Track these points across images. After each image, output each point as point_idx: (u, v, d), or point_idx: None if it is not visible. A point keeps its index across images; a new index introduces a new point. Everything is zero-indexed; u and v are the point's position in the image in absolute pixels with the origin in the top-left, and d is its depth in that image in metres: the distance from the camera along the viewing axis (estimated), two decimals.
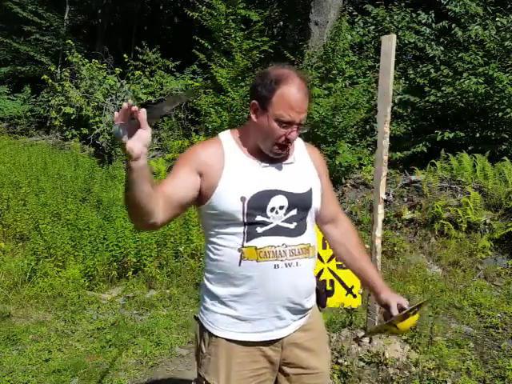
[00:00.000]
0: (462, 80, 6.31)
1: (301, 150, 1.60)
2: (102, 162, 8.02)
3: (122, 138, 1.21)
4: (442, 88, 6.56)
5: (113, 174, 7.39)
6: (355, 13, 7.90)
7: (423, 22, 7.40)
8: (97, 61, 9.46)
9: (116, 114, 1.21)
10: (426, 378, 2.98)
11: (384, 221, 3.62)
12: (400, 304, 1.54)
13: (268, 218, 1.44)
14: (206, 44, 8.42)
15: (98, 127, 8.55)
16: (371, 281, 1.64)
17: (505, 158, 5.91)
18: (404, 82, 7.26)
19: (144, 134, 1.24)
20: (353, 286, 3.18)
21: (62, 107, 8.89)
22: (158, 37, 13.53)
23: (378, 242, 3.07)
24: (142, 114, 1.21)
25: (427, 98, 6.69)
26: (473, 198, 5.27)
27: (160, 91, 9.35)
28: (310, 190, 1.52)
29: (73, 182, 6.25)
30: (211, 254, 1.50)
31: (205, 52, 8.44)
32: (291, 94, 1.40)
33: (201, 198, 1.47)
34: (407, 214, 5.50)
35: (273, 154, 1.47)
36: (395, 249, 5.03)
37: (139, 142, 1.23)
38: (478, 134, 6.47)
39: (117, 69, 8.98)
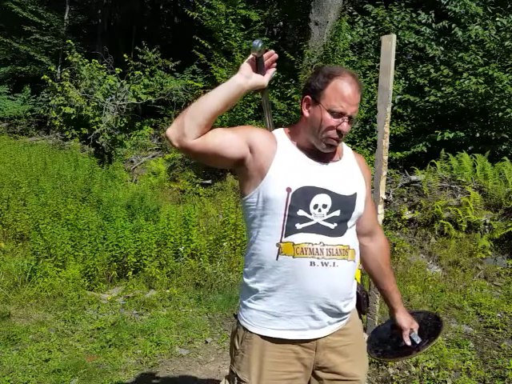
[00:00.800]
0: (461, 80, 6.30)
1: (349, 156, 1.63)
2: (102, 161, 8.03)
3: (257, 51, 1.42)
4: (442, 88, 6.55)
5: (113, 174, 7.41)
6: (355, 13, 7.89)
7: (423, 22, 7.39)
8: (97, 61, 9.46)
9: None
10: (425, 378, 2.98)
11: (384, 221, 3.62)
12: (411, 330, 1.67)
13: (310, 214, 1.45)
14: (206, 44, 8.42)
15: (97, 127, 8.54)
16: (393, 302, 1.72)
17: (505, 158, 5.90)
18: (404, 82, 7.25)
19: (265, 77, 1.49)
20: None
21: (62, 107, 8.88)
22: (158, 37, 13.53)
23: None
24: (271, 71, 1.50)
25: (427, 98, 6.69)
26: (473, 198, 5.26)
27: (160, 91, 9.35)
28: (355, 194, 1.54)
29: (73, 182, 6.26)
30: (251, 248, 1.53)
31: (205, 52, 8.44)
32: (343, 85, 1.45)
33: (248, 184, 1.50)
34: (407, 214, 5.50)
35: (324, 146, 1.49)
36: (395, 249, 5.03)
37: (266, 75, 1.49)
38: (478, 134, 6.46)
39: (117, 69, 8.98)
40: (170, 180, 7.78)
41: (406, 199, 5.82)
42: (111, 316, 3.88)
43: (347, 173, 1.57)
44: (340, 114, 1.45)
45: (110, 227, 4.66)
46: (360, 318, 1.68)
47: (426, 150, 6.66)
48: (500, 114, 6.21)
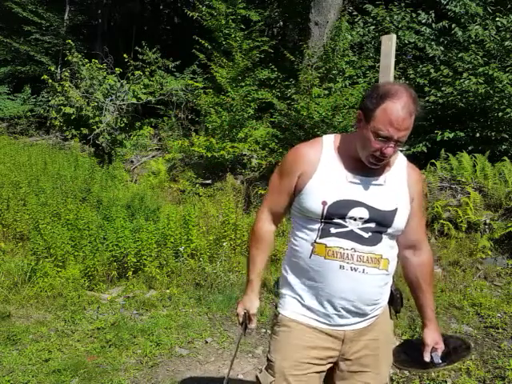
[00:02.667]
0: (461, 80, 6.30)
1: (400, 169, 1.60)
2: (102, 162, 8.02)
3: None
4: (442, 88, 6.55)
5: (113, 174, 7.40)
6: (355, 13, 7.89)
7: (423, 22, 7.39)
8: (97, 61, 9.45)
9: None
10: (425, 378, 2.98)
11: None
12: (434, 349, 1.67)
13: (345, 222, 1.50)
14: (206, 44, 8.42)
15: (97, 127, 8.54)
16: (424, 318, 1.72)
17: (505, 158, 5.90)
18: (404, 82, 7.25)
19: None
20: None
21: (62, 107, 8.88)
22: (158, 37, 13.52)
23: None
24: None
25: (427, 98, 6.68)
26: (473, 198, 5.26)
27: (160, 91, 9.34)
28: (396, 209, 1.54)
29: (73, 182, 6.26)
30: (291, 244, 1.65)
31: (205, 52, 8.44)
32: (394, 109, 1.40)
33: (295, 190, 1.61)
34: None
35: (368, 164, 1.51)
36: None
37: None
38: (478, 134, 6.46)
39: (117, 69, 8.98)
40: (170, 180, 7.77)
41: None
42: (111, 316, 3.88)
43: (391, 187, 1.56)
44: (386, 138, 1.43)
45: (110, 227, 4.65)
46: (393, 316, 1.72)
47: (425, 150, 6.66)
48: (500, 113, 6.21)
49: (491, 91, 6.10)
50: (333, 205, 1.49)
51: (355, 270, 1.50)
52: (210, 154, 7.27)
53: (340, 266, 1.50)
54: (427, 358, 1.66)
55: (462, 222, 5.16)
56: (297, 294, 1.60)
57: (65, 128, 9.22)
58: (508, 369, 3.09)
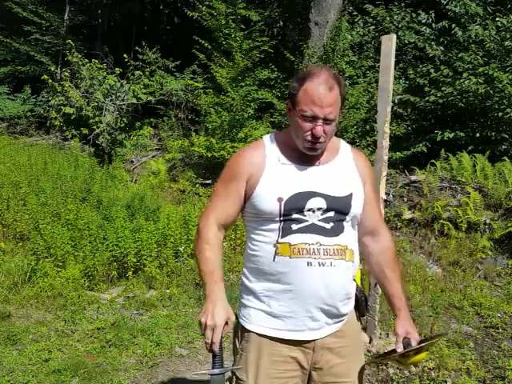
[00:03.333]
0: (461, 80, 6.30)
1: (345, 154, 1.60)
2: (102, 162, 8.02)
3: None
4: (442, 88, 6.55)
5: (113, 174, 7.40)
6: (355, 13, 7.89)
7: (423, 22, 7.40)
8: (97, 61, 9.45)
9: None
10: (426, 378, 2.98)
11: (384, 221, 3.61)
12: (407, 339, 1.56)
13: (304, 216, 1.46)
14: (206, 44, 8.42)
15: (97, 127, 8.54)
16: (394, 307, 1.64)
17: (505, 158, 5.90)
18: (404, 82, 7.26)
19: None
20: None
21: (62, 107, 8.87)
22: (158, 37, 13.51)
23: None
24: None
25: (427, 98, 6.69)
26: (473, 198, 5.26)
27: (160, 91, 9.34)
28: (351, 194, 1.52)
29: (73, 182, 6.25)
30: (249, 249, 1.56)
31: (205, 52, 8.43)
32: (313, 88, 1.41)
33: (245, 196, 1.54)
34: (407, 214, 5.50)
35: (306, 150, 1.49)
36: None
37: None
38: (478, 134, 6.46)
39: (117, 69, 8.97)
40: (170, 180, 7.77)
41: (405, 199, 5.82)
42: (111, 316, 3.88)
43: (342, 173, 1.54)
44: (312, 118, 1.42)
45: (110, 227, 4.65)
46: (358, 319, 1.66)
47: (425, 150, 6.67)
48: (500, 113, 6.21)
49: (491, 91, 6.10)
50: (289, 199, 1.45)
51: (323, 265, 1.44)
52: (210, 154, 7.27)
53: (308, 263, 1.44)
54: (399, 349, 1.57)
55: (462, 222, 5.17)
56: (262, 302, 1.51)
57: (65, 128, 9.22)
58: (508, 369, 3.09)
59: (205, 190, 7.05)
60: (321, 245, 1.45)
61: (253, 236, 1.54)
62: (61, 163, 7.20)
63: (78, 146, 8.65)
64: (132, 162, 8.66)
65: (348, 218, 1.51)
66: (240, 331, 1.57)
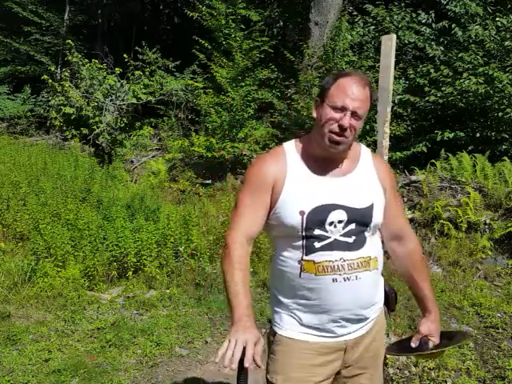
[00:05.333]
0: (461, 80, 6.30)
1: (366, 161, 1.59)
2: (102, 161, 8.02)
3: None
4: (442, 88, 6.55)
5: (113, 174, 7.40)
6: (355, 13, 7.89)
7: (423, 22, 7.40)
8: (97, 61, 9.45)
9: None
10: (426, 378, 2.98)
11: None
12: (426, 338, 1.61)
13: (326, 232, 1.46)
14: (206, 44, 8.42)
15: (97, 127, 8.54)
16: (422, 308, 1.68)
17: (505, 158, 5.90)
18: (404, 82, 7.26)
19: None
20: None
21: (62, 107, 8.87)
22: (158, 37, 13.51)
23: None
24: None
25: (427, 98, 6.69)
26: (473, 198, 5.26)
27: (160, 91, 9.34)
28: (372, 205, 1.51)
29: (73, 182, 6.25)
30: (276, 263, 1.56)
31: (205, 52, 8.44)
32: (346, 83, 1.46)
33: (270, 206, 1.52)
34: (407, 214, 5.50)
35: (328, 143, 1.47)
36: None
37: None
38: (478, 134, 6.46)
39: (117, 69, 8.97)
40: (170, 180, 7.77)
41: (405, 199, 5.82)
42: (111, 316, 3.88)
43: (363, 183, 1.54)
44: (342, 109, 1.44)
45: (110, 227, 4.65)
46: (386, 315, 1.70)
47: (425, 150, 6.67)
48: (500, 113, 6.21)
49: (491, 91, 6.10)
50: (311, 213, 1.44)
51: (349, 280, 1.46)
52: (210, 154, 7.28)
53: (333, 280, 1.45)
54: (414, 344, 1.61)
55: (462, 222, 5.16)
56: (292, 312, 1.53)
57: (65, 128, 9.22)
58: (508, 369, 3.09)
59: (205, 190, 7.05)
60: (344, 260, 1.45)
61: (278, 250, 1.55)
62: (61, 163, 7.20)
63: (77, 146, 8.65)
64: (132, 162, 8.66)
65: (369, 228, 1.51)
66: (272, 336, 1.58)
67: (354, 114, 1.44)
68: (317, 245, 1.45)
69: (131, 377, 3.05)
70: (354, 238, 1.47)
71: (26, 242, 5.00)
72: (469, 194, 5.36)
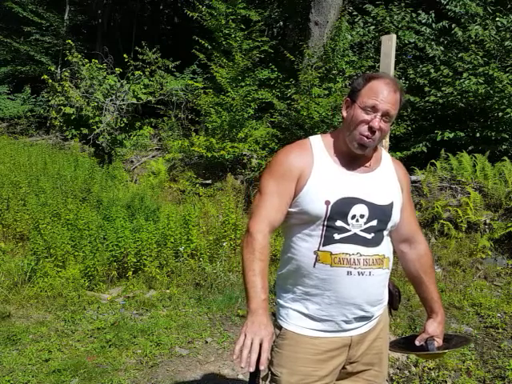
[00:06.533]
0: (461, 80, 6.30)
1: (387, 163, 1.63)
2: (102, 162, 8.02)
3: None
4: (442, 88, 6.55)
5: (113, 174, 7.40)
6: (355, 13, 7.89)
7: (423, 22, 7.39)
8: (97, 61, 9.45)
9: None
10: (426, 378, 2.98)
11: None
12: (431, 339, 1.64)
13: (348, 224, 1.47)
14: (206, 44, 8.42)
15: (97, 127, 8.54)
16: (429, 310, 1.70)
17: (505, 158, 5.90)
18: (404, 82, 7.26)
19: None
20: None
21: (62, 107, 8.88)
22: (158, 37, 13.52)
23: None
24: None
25: (427, 98, 6.69)
26: (473, 198, 5.26)
27: (160, 91, 9.34)
28: (392, 203, 1.55)
29: (73, 182, 6.25)
30: (288, 253, 1.55)
31: (205, 52, 8.43)
32: (379, 85, 1.48)
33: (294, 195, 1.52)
34: None
35: (356, 144, 1.49)
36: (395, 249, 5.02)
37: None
38: (478, 134, 6.46)
39: (117, 69, 8.98)
40: (170, 180, 7.77)
41: None
42: (111, 316, 3.88)
43: (384, 181, 1.57)
44: (372, 110, 1.46)
45: (110, 227, 4.65)
46: (390, 313, 1.72)
47: (425, 150, 6.66)
48: (500, 113, 6.21)
49: (491, 91, 6.10)
50: (335, 203, 1.45)
51: (362, 275, 1.48)
52: (210, 154, 7.27)
53: (348, 272, 1.47)
54: (418, 342, 1.65)
55: (462, 222, 5.16)
56: (299, 303, 1.54)
57: (65, 128, 9.22)
58: (508, 369, 3.09)
59: (205, 190, 7.05)
60: (361, 255, 1.48)
61: (293, 239, 1.54)
62: (61, 163, 7.20)
63: (77, 146, 8.66)
64: (132, 162, 8.66)
65: (388, 226, 1.55)
66: (277, 330, 1.58)
67: (383, 116, 1.47)
68: (336, 236, 1.47)
69: (131, 377, 3.05)
70: (373, 234, 1.50)
71: (25, 242, 5.00)
72: (469, 193, 5.36)
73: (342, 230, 1.47)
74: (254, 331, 1.32)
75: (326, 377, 1.54)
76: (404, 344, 1.78)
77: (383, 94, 1.46)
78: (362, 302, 1.51)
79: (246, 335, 1.32)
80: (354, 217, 1.47)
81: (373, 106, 1.45)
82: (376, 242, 1.51)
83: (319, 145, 1.56)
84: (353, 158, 1.53)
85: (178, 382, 3.02)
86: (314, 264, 1.48)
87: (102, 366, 3.14)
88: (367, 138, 1.47)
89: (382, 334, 1.64)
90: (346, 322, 1.53)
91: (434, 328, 1.66)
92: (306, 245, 1.50)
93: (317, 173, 1.49)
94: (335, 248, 1.47)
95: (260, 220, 1.48)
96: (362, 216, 1.48)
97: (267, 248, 1.47)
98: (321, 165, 1.51)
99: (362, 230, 1.48)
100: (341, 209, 1.46)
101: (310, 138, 1.59)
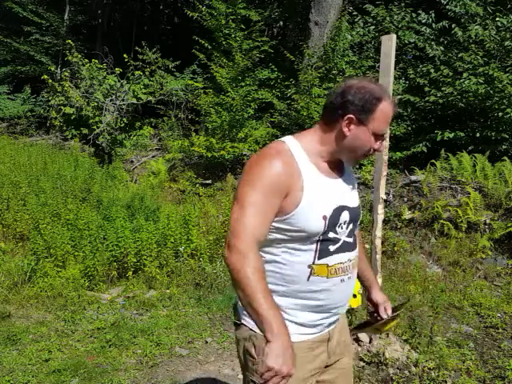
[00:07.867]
0: (461, 80, 6.30)
1: (347, 166, 1.63)
2: (102, 162, 8.02)
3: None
4: (442, 88, 6.56)
5: (113, 174, 7.40)
6: (355, 13, 7.89)
7: (423, 22, 7.40)
8: (97, 61, 9.45)
9: None
10: (426, 378, 2.98)
11: (384, 221, 3.62)
12: (385, 307, 1.71)
13: (337, 234, 1.46)
14: (206, 44, 8.42)
15: (97, 127, 8.54)
16: (367, 281, 1.76)
17: (505, 158, 5.90)
18: (404, 82, 7.26)
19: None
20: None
21: (62, 107, 8.88)
22: (158, 37, 13.53)
23: (378, 241, 3.08)
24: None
25: (427, 98, 6.69)
26: (473, 198, 5.26)
27: (160, 91, 9.35)
28: (359, 204, 1.59)
29: (73, 182, 6.25)
30: (277, 268, 1.44)
31: (205, 52, 8.44)
32: (389, 109, 1.45)
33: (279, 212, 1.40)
34: (407, 214, 5.50)
35: (354, 163, 1.58)
36: (395, 249, 5.03)
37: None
38: (478, 134, 6.46)
39: (117, 69, 8.98)
40: (170, 180, 7.78)
41: (405, 199, 5.82)
42: (111, 316, 3.88)
43: (351, 182, 1.59)
44: (381, 136, 1.47)
45: (110, 227, 4.65)
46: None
47: (425, 150, 6.67)
48: (500, 113, 6.22)
49: (491, 91, 6.10)
50: (331, 216, 1.41)
51: (350, 279, 1.52)
52: (210, 154, 7.28)
53: (341, 280, 1.48)
54: (385, 315, 1.69)
55: (462, 222, 5.17)
56: (287, 314, 1.45)
57: (65, 128, 9.23)
58: (508, 369, 3.09)
59: (205, 190, 7.05)
60: (350, 260, 1.50)
61: (282, 255, 1.43)
62: (61, 163, 7.20)
63: (77, 146, 8.66)
64: (132, 162, 8.66)
65: (357, 226, 1.57)
66: (257, 340, 1.45)
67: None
68: (331, 248, 1.44)
69: (131, 377, 3.05)
70: (352, 237, 1.52)
71: (25, 242, 5.00)
72: (469, 193, 5.36)
73: (335, 240, 1.45)
74: (284, 363, 1.25)
75: (313, 376, 1.55)
76: (361, 325, 1.89)
77: (390, 119, 1.47)
78: (345, 303, 1.56)
79: (275, 359, 1.24)
80: (340, 225, 1.45)
81: (383, 133, 1.46)
82: (355, 243, 1.54)
83: (299, 150, 1.44)
84: (330, 162, 1.50)
85: (178, 381, 3.02)
86: (309, 278, 1.42)
87: (101, 366, 3.14)
88: (365, 156, 1.52)
89: (343, 322, 1.69)
90: (329, 322, 1.55)
91: (382, 296, 1.72)
92: (298, 259, 1.41)
93: (308, 187, 1.39)
94: (331, 260, 1.44)
95: (248, 237, 1.33)
96: (344, 222, 1.47)
97: (263, 266, 1.36)
98: (309, 177, 1.41)
99: (346, 236, 1.49)
100: (334, 220, 1.43)
101: (287, 142, 1.46)
